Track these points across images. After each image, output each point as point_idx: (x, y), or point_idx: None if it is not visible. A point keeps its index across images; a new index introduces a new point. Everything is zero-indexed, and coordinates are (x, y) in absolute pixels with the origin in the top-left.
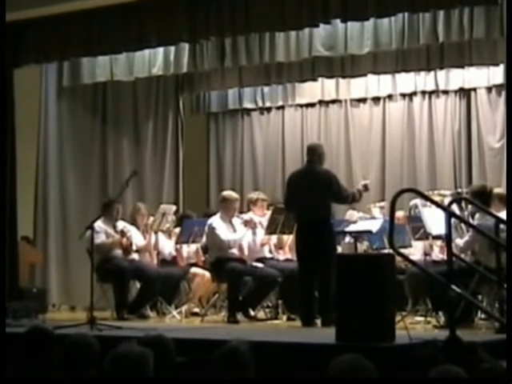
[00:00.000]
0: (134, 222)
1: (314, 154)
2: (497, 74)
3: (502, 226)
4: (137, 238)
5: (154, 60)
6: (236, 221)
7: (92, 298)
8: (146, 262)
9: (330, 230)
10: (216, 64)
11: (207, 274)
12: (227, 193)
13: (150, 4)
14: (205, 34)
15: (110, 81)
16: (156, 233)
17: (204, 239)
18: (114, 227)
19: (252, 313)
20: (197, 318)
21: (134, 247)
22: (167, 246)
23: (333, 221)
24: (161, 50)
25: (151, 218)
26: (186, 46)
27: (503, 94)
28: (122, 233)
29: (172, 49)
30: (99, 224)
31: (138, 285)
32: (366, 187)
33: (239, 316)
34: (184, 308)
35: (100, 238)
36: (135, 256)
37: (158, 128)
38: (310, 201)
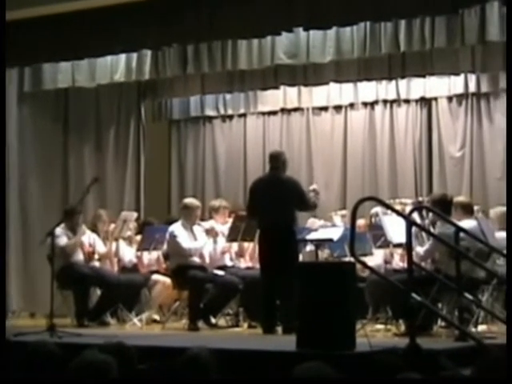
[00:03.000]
0: (94, 229)
1: (278, 161)
2: (458, 84)
3: (461, 234)
4: (98, 245)
5: (116, 66)
6: (197, 228)
7: (52, 305)
8: (107, 269)
9: (292, 237)
10: (178, 71)
11: (168, 281)
12: (189, 200)
13: (112, 10)
14: (167, 40)
15: (72, 87)
16: (117, 240)
17: (165, 246)
18: (75, 233)
19: (213, 320)
20: (157, 326)
21: (96, 255)
22: (128, 253)
23: (296, 228)
24: (123, 56)
25: (112, 225)
26: (148, 53)
27: (463, 103)
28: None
29: (134, 55)
30: (60, 229)
31: (98, 292)
32: (315, 191)
33: (200, 323)
34: (145, 315)
35: (63, 241)
36: (96, 263)
37: (120, 135)
38: (274, 208)
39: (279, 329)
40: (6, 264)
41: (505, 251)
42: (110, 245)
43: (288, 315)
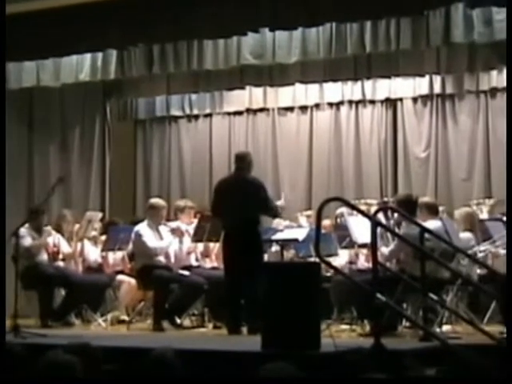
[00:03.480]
0: (59, 229)
1: (243, 162)
2: (423, 85)
3: (426, 234)
4: (62, 245)
5: (81, 66)
6: (163, 228)
7: (16, 306)
8: (72, 270)
9: (257, 238)
10: (144, 71)
11: (133, 282)
12: (155, 200)
13: (77, 10)
14: (133, 40)
15: (37, 86)
16: (82, 240)
17: (130, 246)
18: (40, 233)
19: (178, 321)
20: (122, 326)
21: (61, 255)
22: (93, 253)
23: (260, 229)
24: (88, 55)
25: (77, 225)
26: (113, 53)
27: (428, 104)
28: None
29: (100, 55)
30: (25, 229)
31: (63, 292)
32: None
33: (165, 324)
34: (110, 315)
35: (27, 242)
36: (60, 263)
37: (85, 134)
38: (239, 209)
39: (244, 329)
40: None
41: (469, 251)
42: (74, 245)
43: (253, 316)
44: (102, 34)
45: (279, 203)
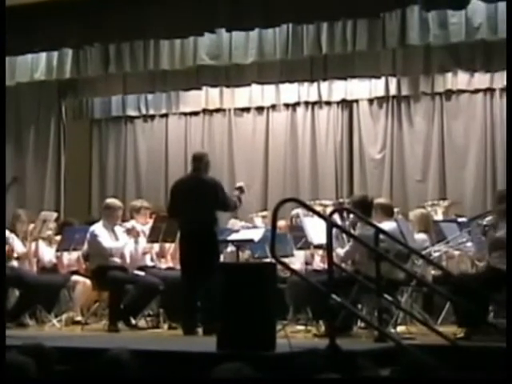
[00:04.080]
0: (13, 229)
1: (200, 162)
2: (379, 87)
3: (381, 236)
4: (17, 245)
5: (36, 65)
6: (118, 229)
7: None
8: (26, 270)
9: (213, 238)
10: (100, 70)
11: (88, 282)
12: (110, 200)
13: (33, 8)
14: (89, 39)
15: None
16: (36, 240)
17: (85, 247)
18: None
19: (133, 321)
20: (77, 327)
21: (15, 254)
22: (47, 253)
23: (217, 229)
24: (44, 54)
25: (31, 225)
26: (69, 52)
27: (384, 106)
28: None
29: (55, 54)
30: None
31: (17, 292)
32: (241, 189)
33: (120, 324)
34: (64, 316)
35: None
36: (14, 263)
37: (40, 134)
38: (195, 209)
39: (200, 330)
40: None
41: (423, 252)
42: (29, 245)
43: (209, 316)
44: (57, 33)
45: (237, 185)
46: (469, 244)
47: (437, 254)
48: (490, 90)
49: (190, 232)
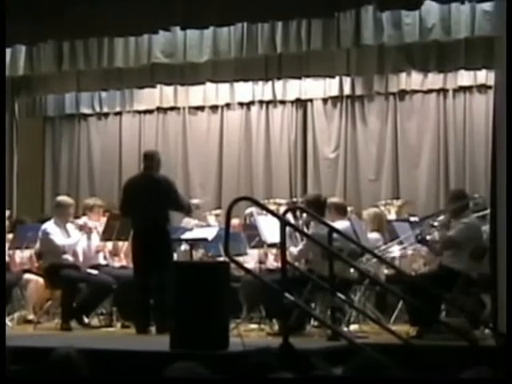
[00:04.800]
0: None
1: (152, 160)
2: (333, 86)
3: (335, 234)
4: None
5: None
6: (70, 227)
7: None
8: None
9: (166, 237)
10: (53, 67)
11: (41, 281)
12: (62, 198)
13: None
14: (43, 37)
15: None
16: None
17: (38, 245)
18: None
19: (86, 320)
20: (29, 326)
21: None
22: None
23: (170, 228)
24: None
25: None
26: (22, 49)
27: (338, 105)
28: None
29: (8, 51)
30: None
31: None
32: (196, 206)
33: (73, 323)
34: (16, 315)
35: None
36: None
37: None
38: (147, 207)
39: (153, 329)
40: None
41: (376, 251)
42: None
43: (161, 315)
44: (11, 29)
45: (196, 201)
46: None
47: (392, 254)
48: (443, 91)
49: (142, 230)
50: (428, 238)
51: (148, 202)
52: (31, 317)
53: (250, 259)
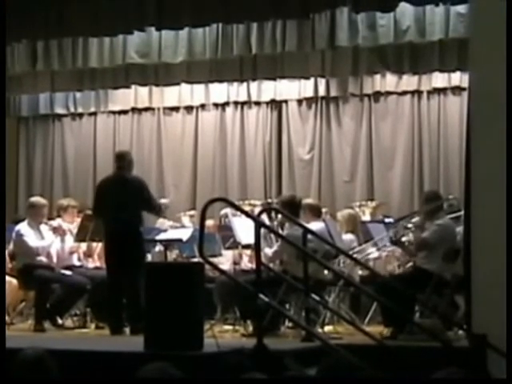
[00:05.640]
0: None
1: (123, 161)
2: (308, 87)
3: (309, 236)
4: None
5: None
6: (44, 227)
7: None
8: None
9: (138, 237)
10: (27, 67)
11: (14, 282)
12: (35, 199)
13: None
14: (17, 36)
15: None
16: None
17: (11, 246)
18: None
19: (60, 321)
20: None
21: None
22: None
23: (143, 229)
24: None
25: None
26: None
27: (313, 106)
28: None
29: None
30: None
31: None
32: (164, 205)
33: (46, 324)
34: None
35: None
36: None
37: None
38: (119, 208)
39: (127, 329)
40: None
41: (351, 252)
42: None
43: (135, 316)
44: None
45: (164, 201)
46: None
47: (366, 256)
48: (417, 92)
49: (114, 231)
50: (403, 239)
51: (119, 202)
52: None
53: (225, 260)
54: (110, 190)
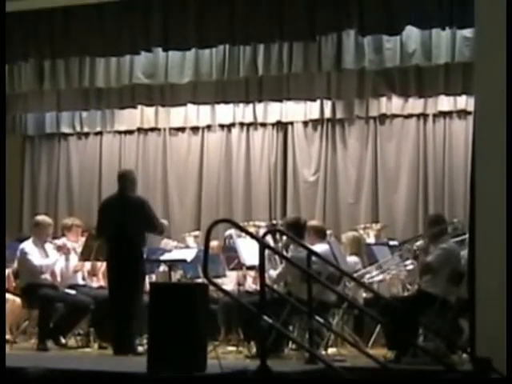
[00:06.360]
0: None
1: (126, 180)
2: (314, 109)
3: (314, 258)
4: None
5: None
6: (49, 246)
7: None
8: None
9: (139, 257)
10: (34, 86)
11: (18, 300)
12: (40, 217)
13: None
14: (23, 55)
15: None
16: None
17: (15, 264)
18: None
19: (63, 340)
20: (6, 345)
21: None
22: None
23: (145, 249)
24: None
25: None
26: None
27: (319, 128)
28: None
29: None
30: None
31: None
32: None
33: (49, 343)
34: None
35: None
36: None
37: None
38: (120, 228)
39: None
40: None
41: (355, 275)
42: None
43: (123, 335)
44: None
45: (162, 222)
46: (407, 267)
47: (370, 278)
48: (423, 115)
49: (115, 251)
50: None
51: (121, 222)
52: (8, 336)
53: (229, 281)
54: (112, 210)
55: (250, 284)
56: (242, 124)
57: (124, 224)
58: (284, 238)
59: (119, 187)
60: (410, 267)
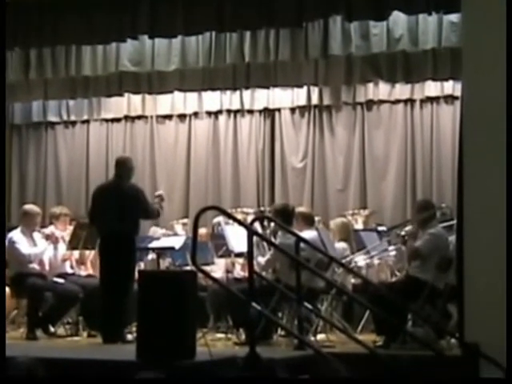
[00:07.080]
0: None
1: (122, 168)
2: (301, 96)
3: (302, 244)
4: None
5: None
6: (37, 235)
7: None
8: None
9: (131, 246)
10: (20, 75)
11: (7, 290)
12: (28, 206)
13: None
14: (9, 44)
15: None
16: None
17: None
18: None
19: (52, 329)
20: None
21: None
22: None
23: (136, 237)
24: None
25: None
26: None
27: (306, 115)
28: None
29: None
30: None
31: None
32: (161, 197)
33: (39, 332)
34: None
35: None
36: None
37: None
38: (114, 216)
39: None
40: None
41: (343, 261)
42: None
43: (111, 324)
44: None
45: (157, 193)
46: (390, 253)
47: (359, 263)
48: (410, 101)
49: (107, 238)
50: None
51: (114, 210)
52: None
53: (217, 268)
54: (106, 197)
55: (239, 271)
56: (229, 111)
57: (117, 213)
58: (272, 224)
59: (116, 174)
60: (393, 253)
